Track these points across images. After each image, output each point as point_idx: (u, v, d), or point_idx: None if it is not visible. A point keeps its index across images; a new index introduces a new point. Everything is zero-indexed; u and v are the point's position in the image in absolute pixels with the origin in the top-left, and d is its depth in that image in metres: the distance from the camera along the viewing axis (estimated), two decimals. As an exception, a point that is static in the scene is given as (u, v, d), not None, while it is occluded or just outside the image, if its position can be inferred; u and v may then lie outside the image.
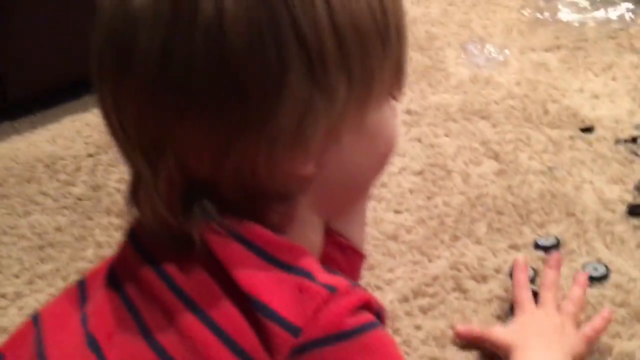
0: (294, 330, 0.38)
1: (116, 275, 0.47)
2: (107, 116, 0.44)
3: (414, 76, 1.41)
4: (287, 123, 0.40)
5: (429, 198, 1.01)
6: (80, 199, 1.08)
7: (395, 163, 1.10)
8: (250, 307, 0.40)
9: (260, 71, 0.39)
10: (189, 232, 0.42)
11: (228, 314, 0.41)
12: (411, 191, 1.03)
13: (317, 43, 0.39)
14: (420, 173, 1.07)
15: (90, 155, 1.20)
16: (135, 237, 0.47)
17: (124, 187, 0.49)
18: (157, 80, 0.40)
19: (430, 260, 0.88)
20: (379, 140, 0.48)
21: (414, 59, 1.50)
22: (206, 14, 0.38)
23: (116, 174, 1.14)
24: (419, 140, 1.17)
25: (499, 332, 0.73)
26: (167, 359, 0.41)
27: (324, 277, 0.41)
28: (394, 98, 0.49)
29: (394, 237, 0.93)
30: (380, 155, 0.50)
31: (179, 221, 0.42)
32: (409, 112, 1.27)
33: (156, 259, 0.44)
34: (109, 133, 0.45)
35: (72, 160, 1.19)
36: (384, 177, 1.06)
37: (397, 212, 0.99)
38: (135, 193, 0.45)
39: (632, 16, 1.47)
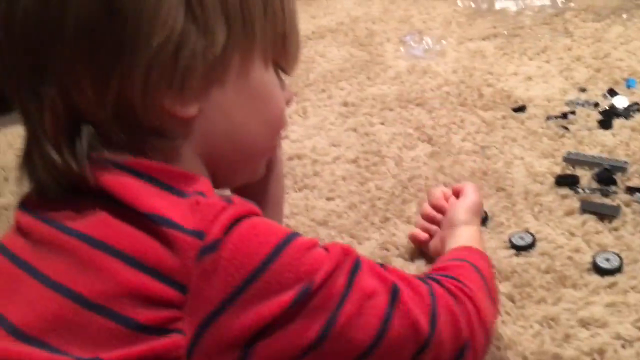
0: (199, 235, 0.41)
1: (2, 244, 0.47)
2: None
3: (353, 71, 1.42)
4: (161, 52, 0.42)
5: (361, 184, 1.00)
6: (6, 209, 1.05)
7: (329, 153, 1.09)
8: (150, 223, 0.41)
9: None
10: (75, 171, 0.43)
11: (124, 234, 0.42)
12: (344, 178, 1.02)
13: None
14: (354, 161, 1.06)
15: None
16: (23, 205, 0.47)
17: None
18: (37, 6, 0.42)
19: (359, 243, 0.87)
20: (265, 102, 0.51)
21: (354, 55, 1.50)
22: None
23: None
24: (355, 130, 1.16)
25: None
26: (62, 290, 0.41)
27: (218, 197, 0.44)
28: (283, 70, 0.52)
29: (324, 223, 0.91)
30: (266, 117, 0.51)
31: (65, 159, 0.43)
32: (345, 104, 1.27)
33: (46, 215, 0.45)
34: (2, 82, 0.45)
35: (0, 172, 1.16)
36: (317, 166, 1.05)
37: (328, 199, 0.97)
38: (28, 153, 0.46)
39: (564, 0, 1.49)
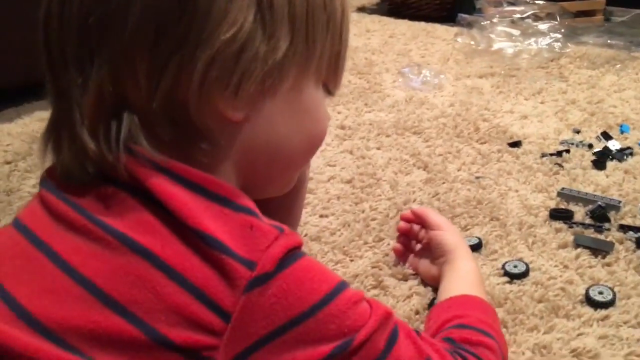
0: (250, 265, 0.39)
1: (20, 220, 0.45)
2: (47, 33, 0.43)
3: (351, 96, 1.43)
4: (226, 49, 0.41)
5: (356, 204, 0.99)
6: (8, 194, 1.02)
7: (324, 172, 1.09)
8: (199, 242, 0.39)
9: None
10: (107, 159, 0.41)
11: (172, 245, 0.39)
12: (338, 197, 1.01)
13: None
14: (349, 181, 1.06)
15: (7, 162, 1.15)
16: (47, 183, 0.45)
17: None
18: None
19: (352, 260, 0.86)
20: (311, 117, 0.50)
21: (352, 82, 1.52)
22: None
23: (32, 180, 1.09)
24: (351, 152, 1.16)
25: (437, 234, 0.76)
26: (98, 293, 0.39)
27: (266, 219, 0.43)
28: (329, 91, 0.52)
29: (317, 239, 0.90)
30: (309, 133, 0.51)
31: (99, 145, 0.41)
32: (342, 127, 1.27)
33: (74, 200, 0.42)
34: (45, 59, 0.44)
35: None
36: (311, 184, 1.04)
37: (322, 216, 0.96)
38: (53, 131, 0.44)
39: (560, 45, 1.52)
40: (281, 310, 0.40)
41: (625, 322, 0.72)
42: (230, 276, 0.39)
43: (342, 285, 0.44)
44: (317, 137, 0.52)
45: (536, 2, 1.71)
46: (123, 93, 0.41)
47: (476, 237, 0.88)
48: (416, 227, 0.82)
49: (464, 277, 0.71)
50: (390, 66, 1.61)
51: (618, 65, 1.51)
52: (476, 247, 0.86)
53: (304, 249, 0.87)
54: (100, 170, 0.42)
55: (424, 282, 0.80)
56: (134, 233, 0.40)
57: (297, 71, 0.46)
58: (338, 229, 0.92)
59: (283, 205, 0.60)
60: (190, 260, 0.39)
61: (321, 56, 0.47)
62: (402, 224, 0.83)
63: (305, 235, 0.91)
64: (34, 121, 1.32)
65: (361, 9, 2.32)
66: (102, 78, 0.41)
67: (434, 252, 0.77)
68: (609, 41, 1.62)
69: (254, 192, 0.50)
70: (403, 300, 0.77)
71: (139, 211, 0.41)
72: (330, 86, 0.51)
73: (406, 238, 0.83)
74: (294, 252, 0.42)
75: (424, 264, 0.79)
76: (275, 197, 0.55)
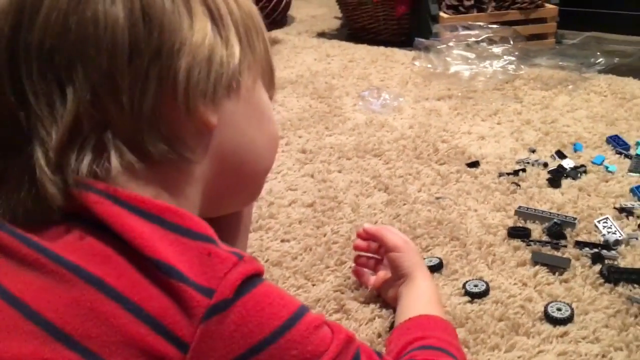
0: (208, 292, 0.39)
1: None
2: (0, 82, 0.41)
3: (311, 120, 1.43)
4: (199, 55, 0.43)
5: (317, 227, 0.99)
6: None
7: (286, 196, 1.09)
8: (155, 270, 0.38)
9: (170, 5, 0.43)
10: (70, 194, 0.40)
11: (126, 275, 0.39)
12: (300, 221, 1.01)
13: (217, 10, 0.46)
14: (310, 205, 1.06)
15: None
16: None
17: None
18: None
19: (314, 284, 0.85)
20: (267, 119, 0.52)
21: (313, 106, 1.52)
22: None
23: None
24: (312, 176, 1.16)
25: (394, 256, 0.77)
26: (50, 328, 0.37)
27: (225, 246, 0.42)
28: (269, 95, 0.54)
29: (279, 264, 0.89)
30: (269, 134, 0.52)
31: (65, 181, 0.40)
32: (304, 151, 1.27)
33: (22, 232, 0.41)
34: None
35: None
36: (273, 209, 1.04)
37: (283, 240, 0.96)
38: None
39: (514, 67, 1.56)
40: (241, 338, 0.40)
41: (583, 338, 0.73)
42: (188, 305, 0.38)
43: (302, 310, 0.44)
44: (276, 138, 0.54)
45: (490, 26, 1.75)
46: (104, 117, 0.41)
47: (437, 257, 0.88)
48: (373, 244, 0.82)
49: (421, 296, 0.71)
50: (351, 90, 1.62)
51: (570, 86, 1.55)
52: (437, 268, 0.86)
53: (266, 274, 0.86)
54: (53, 204, 0.41)
55: (386, 305, 0.80)
56: (88, 264, 0.39)
57: (250, 74, 0.48)
58: (300, 254, 0.92)
59: (234, 218, 0.60)
60: (146, 289, 0.38)
61: (261, 62, 0.50)
62: (359, 242, 0.84)
63: (267, 260, 0.90)
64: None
65: (321, 34, 2.35)
66: (80, 106, 0.40)
67: (392, 274, 0.77)
68: (560, 63, 1.67)
69: (221, 206, 0.51)
70: (365, 323, 0.77)
71: (93, 242, 0.40)
72: (269, 93, 0.54)
73: (364, 257, 0.84)
74: (253, 279, 0.41)
75: (385, 287, 0.79)
76: (223, 217, 0.55)
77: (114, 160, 0.41)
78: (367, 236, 0.82)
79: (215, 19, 0.45)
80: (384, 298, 0.79)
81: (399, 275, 0.76)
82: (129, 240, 0.39)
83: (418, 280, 0.73)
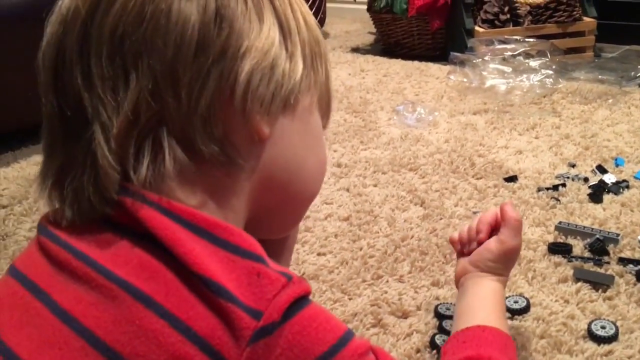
0: (256, 314, 0.38)
1: (17, 268, 0.44)
2: (58, 57, 0.42)
3: (347, 134, 1.43)
4: (262, 62, 0.43)
5: (353, 241, 0.99)
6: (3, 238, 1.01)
7: (321, 210, 1.09)
8: (204, 289, 0.38)
9: (244, 9, 0.43)
10: (131, 189, 0.40)
11: (174, 292, 0.38)
12: (336, 235, 1.01)
13: (287, 24, 0.46)
14: (346, 219, 1.06)
15: (3, 207, 1.15)
16: (45, 227, 0.44)
17: (34, 234, 0.46)
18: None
19: (350, 298, 0.85)
20: (319, 144, 0.51)
21: (348, 121, 1.53)
22: None
23: (28, 224, 1.08)
24: (347, 190, 1.16)
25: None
26: (100, 346, 0.37)
27: (274, 264, 0.41)
28: (323, 124, 0.53)
29: (315, 277, 0.89)
30: (319, 158, 0.51)
31: (126, 171, 0.40)
32: (339, 165, 1.27)
33: (72, 244, 0.41)
34: (52, 90, 0.42)
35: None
36: (309, 222, 1.04)
37: (320, 254, 0.96)
38: (58, 174, 0.43)
39: (552, 81, 1.54)
40: None
41: (629, 357, 0.71)
42: (235, 326, 0.37)
43: (348, 335, 0.42)
44: (325, 164, 0.53)
45: (527, 40, 1.74)
46: (161, 110, 0.41)
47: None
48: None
49: (485, 300, 0.65)
50: (385, 104, 1.62)
51: (610, 100, 1.53)
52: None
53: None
54: (103, 212, 0.41)
55: (424, 320, 0.79)
56: (136, 279, 0.39)
57: (308, 95, 0.48)
58: (336, 267, 0.92)
59: (274, 243, 0.59)
60: (194, 308, 0.38)
61: (321, 86, 0.50)
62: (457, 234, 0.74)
63: (303, 273, 0.90)
64: (31, 165, 1.32)
65: (355, 50, 2.36)
66: (140, 94, 0.40)
67: (475, 257, 0.69)
68: (599, 76, 1.65)
69: (263, 227, 0.49)
70: (403, 338, 0.76)
71: (142, 255, 0.39)
72: (323, 120, 0.53)
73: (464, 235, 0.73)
74: (300, 300, 0.41)
75: (459, 266, 0.71)
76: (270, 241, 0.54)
77: (168, 162, 0.41)
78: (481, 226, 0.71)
79: (285, 32, 0.45)
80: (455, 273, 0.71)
81: (475, 262, 0.68)
82: (179, 255, 0.39)
83: (488, 284, 0.66)
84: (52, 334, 0.39)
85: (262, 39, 0.43)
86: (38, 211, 1.11)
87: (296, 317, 0.40)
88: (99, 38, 0.41)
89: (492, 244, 0.68)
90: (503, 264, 0.68)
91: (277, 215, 0.51)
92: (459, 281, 0.69)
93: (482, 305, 0.65)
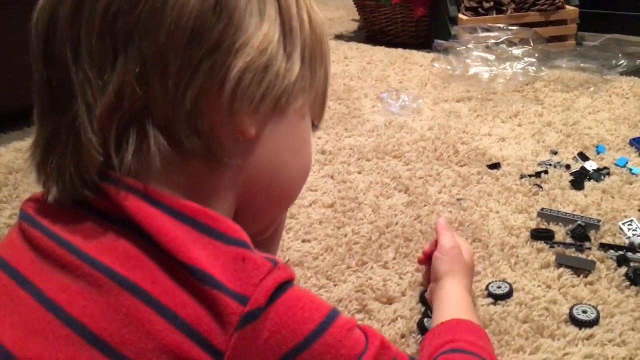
0: (242, 299, 0.38)
1: (1, 256, 0.43)
2: (49, 30, 0.41)
3: (331, 122, 1.43)
4: (257, 60, 0.42)
5: (338, 228, 0.99)
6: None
7: (306, 197, 1.08)
8: (190, 277, 0.38)
9: (245, 2, 0.42)
10: (110, 170, 0.39)
11: (161, 281, 0.38)
12: (320, 222, 1.01)
13: (289, 22, 0.45)
14: (331, 205, 1.06)
15: (-16, 193, 1.13)
16: (27, 213, 0.43)
17: (14, 221, 0.45)
18: None
19: (335, 285, 0.85)
20: (306, 149, 0.50)
21: (332, 108, 1.52)
22: None
23: (7, 211, 1.07)
24: (332, 177, 1.16)
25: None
26: (86, 334, 0.37)
27: (258, 251, 0.41)
28: (314, 124, 0.52)
29: (300, 264, 0.89)
30: (303, 163, 0.51)
31: (108, 155, 0.39)
32: (323, 152, 1.27)
33: (56, 231, 0.41)
34: (41, 61, 0.41)
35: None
36: (293, 209, 1.04)
37: (304, 241, 0.96)
38: (45, 151, 0.42)
39: (535, 69, 1.55)
40: (275, 345, 0.39)
41: (610, 341, 0.72)
42: (222, 312, 0.37)
43: (334, 313, 0.43)
44: (307, 170, 0.52)
45: (510, 27, 1.74)
46: (145, 96, 0.40)
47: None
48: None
49: (450, 302, 0.70)
50: (369, 92, 1.62)
51: (591, 88, 1.54)
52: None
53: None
54: (83, 194, 0.40)
55: (409, 305, 0.79)
56: (123, 268, 0.38)
57: (301, 98, 0.46)
58: (321, 254, 0.92)
59: (261, 242, 0.59)
60: (180, 296, 0.38)
61: (317, 89, 0.48)
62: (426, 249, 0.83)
63: (288, 260, 0.90)
64: (10, 151, 1.29)
65: (339, 37, 2.35)
66: (126, 77, 0.39)
67: (431, 275, 0.77)
68: (581, 65, 1.66)
69: (245, 228, 0.49)
70: (388, 323, 0.77)
71: (127, 245, 0.39)
72: (315, 121, 0.52)
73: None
74: (284, 285, 0.41)
75: (429, 288, 0.78)
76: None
77: (153, 151, 0.40)
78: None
79: (285, 30, 0.44)
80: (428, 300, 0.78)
81: (433, 278, 0.76)
82: (164, 244, 0.38)
83: (448, 285, 0.72)
84: (37, 322, 0.38)
85: (260, 35, 0.42)
86: (18, 198, 1.10)
87: (280, 299, 0.40)
88: (92, 11, 0.40)
89: (435, 254, 0.77)
90: (450, 265, 0.75)
91: (258, 214, 0.50)
92: (432, 303, 0.75)
93: (448, 306, 0.69)
